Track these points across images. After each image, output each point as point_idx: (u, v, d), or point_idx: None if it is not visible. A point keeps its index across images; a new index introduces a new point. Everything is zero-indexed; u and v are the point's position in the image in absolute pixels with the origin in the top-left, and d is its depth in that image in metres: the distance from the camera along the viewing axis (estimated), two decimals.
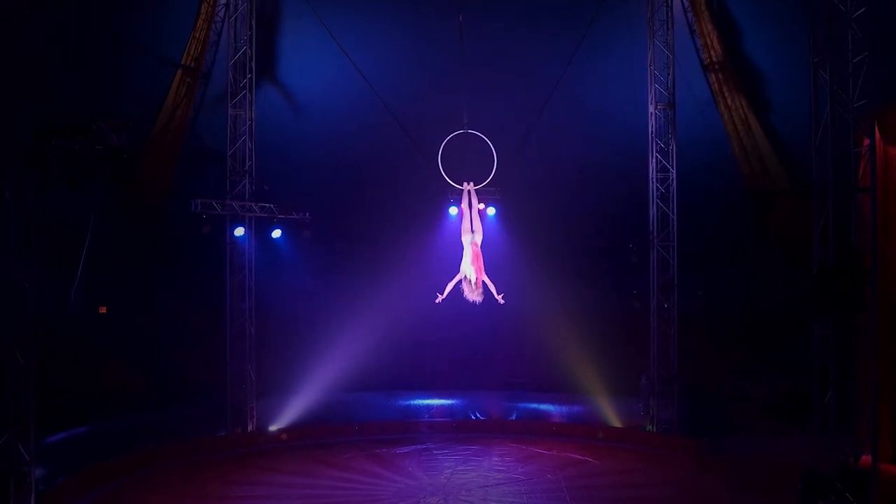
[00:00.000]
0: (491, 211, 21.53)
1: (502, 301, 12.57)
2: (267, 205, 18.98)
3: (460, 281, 12.43)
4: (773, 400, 19.13)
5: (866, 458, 13.27)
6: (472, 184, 13.39)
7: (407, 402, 20.87)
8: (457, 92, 15.47)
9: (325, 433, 19.54)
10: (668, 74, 19.23)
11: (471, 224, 12.86)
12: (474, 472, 16.54)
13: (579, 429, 19.73)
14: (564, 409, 20.66)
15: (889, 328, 14.13)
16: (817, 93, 15.57)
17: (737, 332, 20.56)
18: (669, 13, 19.06)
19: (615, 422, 19.80)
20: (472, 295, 12.33)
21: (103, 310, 19.34)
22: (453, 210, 21.06)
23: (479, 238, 12.73)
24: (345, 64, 19.10)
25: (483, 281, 12.47)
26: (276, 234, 19.65)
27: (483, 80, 19.82)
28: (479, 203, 13.61)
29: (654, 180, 19.51)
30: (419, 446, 18.70)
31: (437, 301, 12.43)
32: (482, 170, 14.12)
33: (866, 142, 14.16)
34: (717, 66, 19.11)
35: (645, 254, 19.83)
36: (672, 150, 19.32)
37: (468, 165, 14.40)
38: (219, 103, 19.50)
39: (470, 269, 12.32)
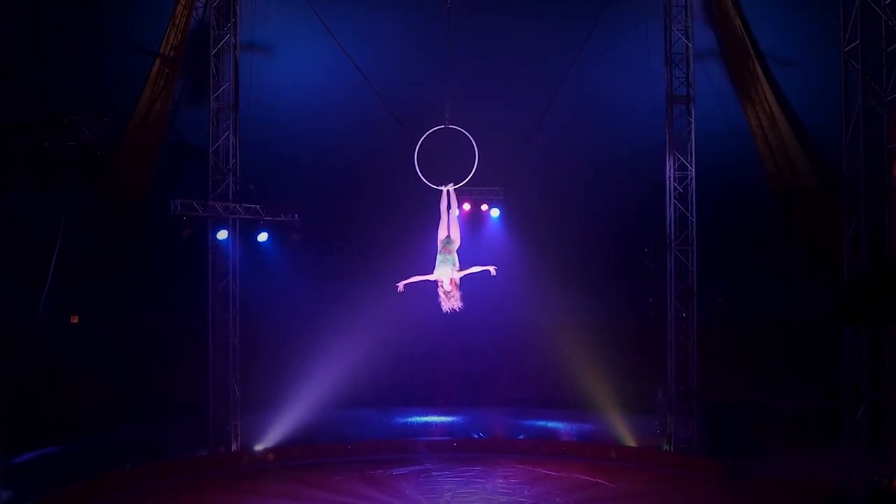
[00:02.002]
0: (495, 212, 21.59)
1: (495, 272, 12.32)
2: (252, 206, 18.96)
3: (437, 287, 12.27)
4: (800, 416, 19.12)
5: None
6: (452, 185, 13.19)
7: (404, 420, 20.86)
8: (445, 83, 15.42)
9: (315, 453, 19.49)
10: (687, 65, 19.22)
11: (448, 229, 12.71)
12: (477, 496, 16.49)
13: (590, 448, 19.69)
14: (574, 426, 20.63)
15: None
16: (848, 84, 15.63)
17: (761, 343, 20.54)
18: None
19: (629, 441, 19.77)
20: (448, 303, 12.16)
21: (75, 319, 19.33)
22: (454, 211, 21.08)
23: (456, 245, 12.58)
24: (339, 55, 19.14)
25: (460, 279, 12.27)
26: (263, 237, 19.65)
27: (485, 74, 19.89)
28: (456, 207, 13.44)
29: (672, 179, 19.43)
30: (417, 467, 18.66)
31: (398, 288, 12.21)
32: (468, 169, 13.92)
33: None
34: (739, 56, 19.09)
35: (661, 259, 19.80)
36: (691, 146, 19.24)
37: (454, 164, 14.27)
38: (200, 96, 19.49)
39: (447, 278, 12.12)
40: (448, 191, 12.98)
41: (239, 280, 19.40)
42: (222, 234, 19.04)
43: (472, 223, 21.50)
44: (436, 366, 22.28)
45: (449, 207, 12.91)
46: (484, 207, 21.51)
